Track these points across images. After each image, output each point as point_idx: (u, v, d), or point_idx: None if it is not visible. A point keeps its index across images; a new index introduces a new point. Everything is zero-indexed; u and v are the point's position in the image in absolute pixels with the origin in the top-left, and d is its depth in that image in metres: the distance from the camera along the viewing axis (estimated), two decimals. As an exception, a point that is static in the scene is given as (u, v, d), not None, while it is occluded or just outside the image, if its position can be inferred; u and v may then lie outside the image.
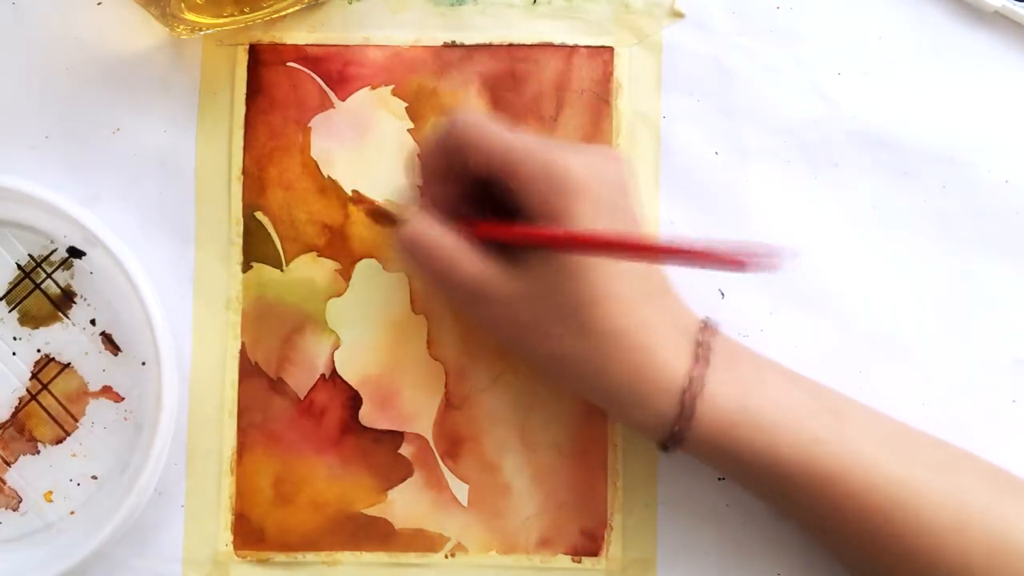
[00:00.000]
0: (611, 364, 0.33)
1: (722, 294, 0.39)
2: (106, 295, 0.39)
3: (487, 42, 0.40)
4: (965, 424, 0.39)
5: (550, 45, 0.40)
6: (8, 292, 0.39)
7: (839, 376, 0.37)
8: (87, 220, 0.37)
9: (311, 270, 0.39)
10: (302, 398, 0.39)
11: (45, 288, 0.39)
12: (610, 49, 0.40)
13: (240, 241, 0.39)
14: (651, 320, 0.33)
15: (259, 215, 0.40)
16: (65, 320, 0.39)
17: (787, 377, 0.35)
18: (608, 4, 0.40)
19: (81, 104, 0.40)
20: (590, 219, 0.33)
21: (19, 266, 0.39)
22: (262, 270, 0.39)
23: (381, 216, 0.39)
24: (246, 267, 0.39)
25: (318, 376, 0.39)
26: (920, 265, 0.39)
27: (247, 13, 0.39)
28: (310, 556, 0.39)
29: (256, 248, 0.39)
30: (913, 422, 0.38)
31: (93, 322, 0.39)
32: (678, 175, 0.40)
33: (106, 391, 0.39)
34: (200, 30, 0.39)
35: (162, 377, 0.37)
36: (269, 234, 0.40)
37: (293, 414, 0.39)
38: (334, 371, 0.39)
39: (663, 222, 0.39)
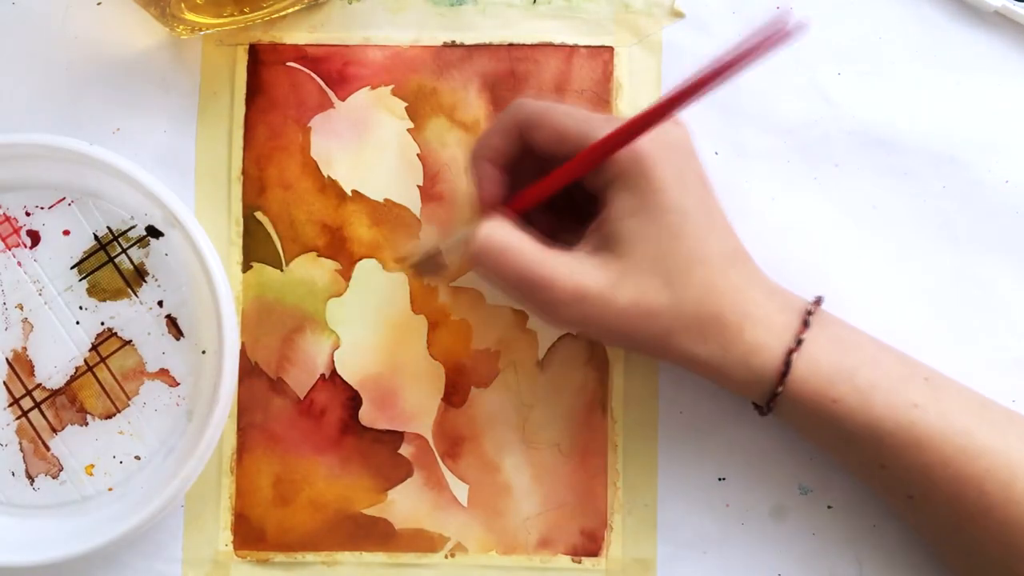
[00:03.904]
0: (713, 325, 0.34)
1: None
2: (177, 279, 0.39)
3: (487, 42, 0.40)
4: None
5: (550, 45, 0.40)
6: (82, 261, 0.39)
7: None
8: (172, 202, 0.37)
9: (311, 270, 0.39)
10: (302, 398, 0.39)
11: (118, 263, 0.39)
12: (610, 49, 0.40)
13: (240, 241, 0.39)
14: (743, 284, 0.34)
15: (259, 215, 0.40)
16: (133, 297, 0.39)
17: (880, 344, 0.35)
18: (608, 4, 0.40)
19: (81, 104, 0.40)
20: (669, 182, 0.34)
21: (96, 237, 0.39)
22: (262, 270, 0.39)
23: (429, 264, 0.39)
24: (246, 267, 0.39)
25: (318, 376, 0.39)
26: (920, 265, 0.39)
27: (247, 13, 0.39)
28: (310, 556, 0.39)
29: (256, 248, 0.39)
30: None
31: (160, 303, 0.39)
32: (678, 175, 0.39)
33: (162, 374, 0.39)
34: (200, 30, 0.39)
35: (223, 368, 0.37)
36: (269, 234, 0.40)
37: (293, 414, 0.39)
38: (334, 371, 0.39)
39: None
